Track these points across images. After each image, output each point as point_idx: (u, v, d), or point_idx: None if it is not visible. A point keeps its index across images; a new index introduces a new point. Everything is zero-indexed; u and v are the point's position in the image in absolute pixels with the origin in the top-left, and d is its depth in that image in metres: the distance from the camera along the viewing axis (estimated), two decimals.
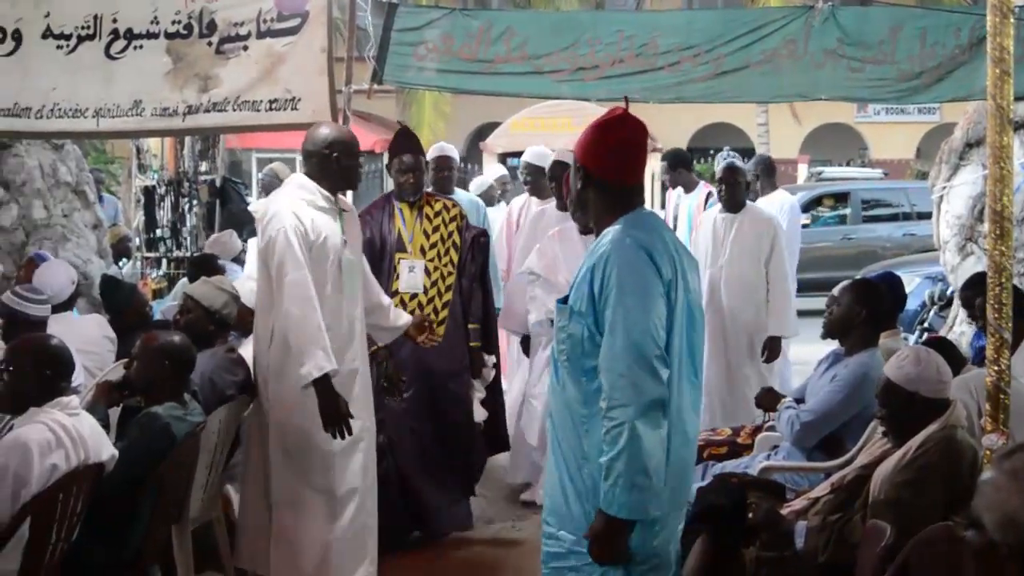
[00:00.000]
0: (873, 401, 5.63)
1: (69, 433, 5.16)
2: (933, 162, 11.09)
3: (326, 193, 6.26)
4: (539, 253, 8.36)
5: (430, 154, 9.75)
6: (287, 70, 7.15)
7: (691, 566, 5.71)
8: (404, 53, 8.07)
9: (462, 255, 7.97)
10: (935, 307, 11.94)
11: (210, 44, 7.15)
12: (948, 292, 11.46)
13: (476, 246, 8.08)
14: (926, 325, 11.74)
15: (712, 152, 36.30)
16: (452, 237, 7.96)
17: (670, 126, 33.10)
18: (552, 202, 9.40)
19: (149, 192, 15.45)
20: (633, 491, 3.99)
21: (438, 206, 8.01)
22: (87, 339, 7.35)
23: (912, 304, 11.14)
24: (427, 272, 7.84)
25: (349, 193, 7.83)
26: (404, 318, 7.01)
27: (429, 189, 8.49)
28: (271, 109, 7.18)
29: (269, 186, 11.83)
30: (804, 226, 21.55)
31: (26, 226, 10.44)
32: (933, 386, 5.15)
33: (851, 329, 6.51)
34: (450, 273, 7.91)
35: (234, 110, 7.02)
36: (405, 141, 7.90)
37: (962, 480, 4.95)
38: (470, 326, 8.03)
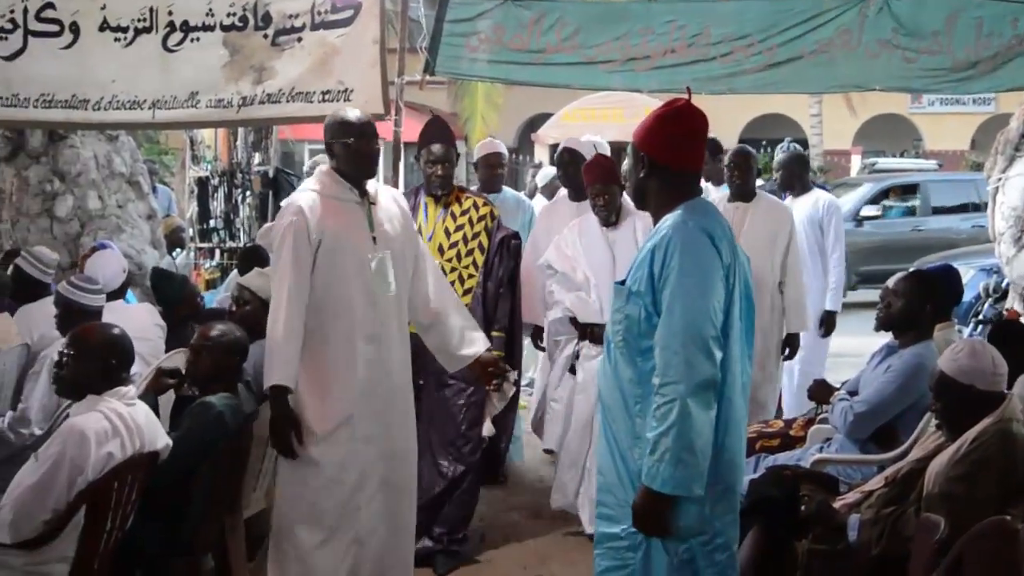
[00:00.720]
0: (927, 393, 5.59)
1: (125, 422, 5.20)
2: (988, 153, 10.99)
3: (346, 184, 5.79)
4: (557, 247, 7.78)
5: (479, 151, 9.19)
6: (340, 62, 7.19)
7: (744, 558, 5.70)
8: (456, 44, 8.09)
9: (488, 257, 7.36)
10: (990, 299, 11.84)
11: (266, 36, 7.20)
12: (1003, 284, 11.36)
13: (506, 248, 7.46)
14: (981, 317, 11.64)
15: (765, 144, 36.20)
16: (478, 237, 7.33)
17: (722, 117, 32.91)
18: (563, 192, 8.74)
19: (202, 183, 15.51)
20: (679, 467, 4.04)
21: (467, 203, 7.38)
22: (139, 327, 7.40)
23: (967, 296, 11.04)
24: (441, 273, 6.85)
25: (400, 184, 7.84)
26: (473, 347, 6.10)
27: (471, 186, 8.16)
28: (324, 100, 7.22)
29: None
30: (874, 217, 21.56)
31: (81, 217, 10.52)
32: (988, 379, 5.10)
33: (915, 323, 6.45)
34: (471, 276, 7.30)
35: (288, 101, 7.06)
36: (435, 130, 7.30)
37: (1017, 474, 4.91)
38: (493, 334, 7.23)
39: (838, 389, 6.93)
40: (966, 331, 10.73)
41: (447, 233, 7.26)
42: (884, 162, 31.55)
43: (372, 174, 6.06)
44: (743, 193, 8.59)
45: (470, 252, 7.30)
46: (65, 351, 5.40)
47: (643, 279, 4.22)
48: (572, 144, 8.52)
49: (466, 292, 7.20)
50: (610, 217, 7.56)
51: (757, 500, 5.83)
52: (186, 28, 7.22)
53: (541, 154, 28.54)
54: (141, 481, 5.21)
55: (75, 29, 7.24)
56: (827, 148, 36.07)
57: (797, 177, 9.80)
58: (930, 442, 5.49)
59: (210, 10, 7.22)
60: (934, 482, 5.01)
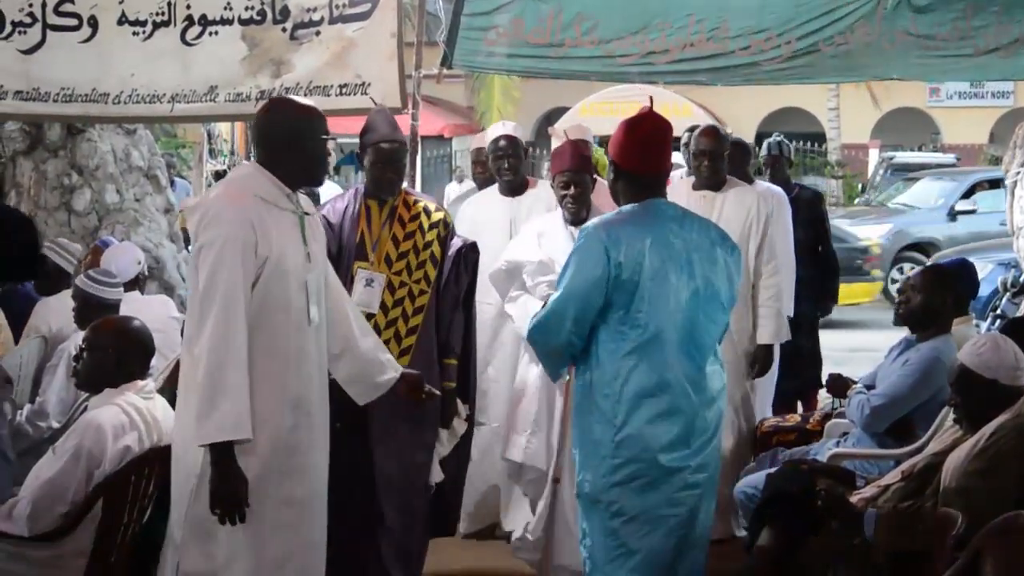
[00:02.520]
0: (945, 387, 5.59)
1: (143, 415, 5.22)
2: (1006, 147, 10.97)
3: (286, 189, 4.89)
4: (514, 249, 6.89)
5: (490, 133, 8.10)
6: (358, 55, 7.20)
7: (760, 552, 5.70)
8: (474, 38, 8.09)
9: (441, 271, 6.24)
10: (1008, 293, 11.80)
11: (284, 30, 7.21)
12: (1021, 279, 11.34)
13: (462, 262, 6.36)
14: (999, 312, 11.61)
15: (782, 137, 36.18)
16: (431, 248, 6.21)
17: (740, 111, 33.01)
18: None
19: (220, 176, 15.58)
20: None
21: (416, 208, 6.27)
22: (154, 319, 7.39)
23: (984, 291, 11.02)
24: (391, 288, 6.10)
25: (418, 179, 7.75)
26: (389, 372, 5.34)
27: (410, 188, 6.69)
28: (341, 94, 7.23)
29: None
30: (969, 212, 21.55)
31: (99, 210, 10.55)
32: (1011, 373, 5.10)
33: (933, 318, 6.44)
34: (422, 292, 6.16)
35: (305, 95, 7.06)
36: (381, 123, 6.22)
37: None
38: (446, 362, 6.27)
39: (855, 383, 6.93)
40: (984, 326, 10.70)
41: (395, 241, 6.19)
42: (902, 156, 31.46)
43: (319, 182, 5.43)
44: (714, 181, 7.71)
45: (421, 264, 6.19)
46: (83, 344, 5.42)
47: None
48: (515, 132, 7.82)
49: (417, 311, 6.13)
50: (580, 213, 6.57)
51: (773, 494, 5.83)
52: (204, 22, 7.23)
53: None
54: (158, 475, 5.22)
55: (93, 23, 7.26)
56: (844, 142, 36.01)
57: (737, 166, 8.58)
58: (947, 436, 5.49)
59: (228, 4, 7.23)
60: (951, 477, 5.00)
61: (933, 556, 4.79)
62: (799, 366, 8.79)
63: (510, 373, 7.14)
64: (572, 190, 6.56)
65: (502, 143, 7.70)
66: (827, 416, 7.24)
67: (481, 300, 6.85)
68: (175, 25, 7.23)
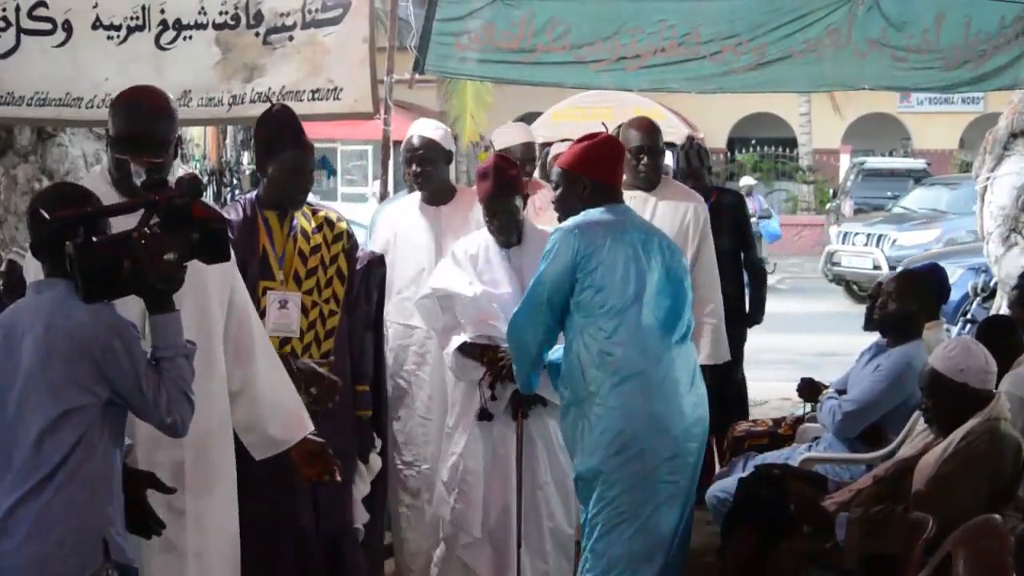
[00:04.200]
0: (915, 392, 5.62)
1: None
2: (977, 152, 11.03)
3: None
4: (440, 274, 6.18)
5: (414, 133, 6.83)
6: (330, 60, 7.18)
7: (733, 556, 5.73)
8: (446, 43, 8.08)
9: (350, 289, 5.59)
10: (978, 298, 11.88)
11: (257, 35, 7.19)
12: (991, 283, 11.39)
13: (371, 277, 5.85)
14: (969, 316, 11.68)
15: (754, 142, 36.30)
16: (336, 263, 5.52)
17: (711, 116, 33.10)
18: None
19: None
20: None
21: (318, 219, 5.54)
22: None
23: (955, 295, 11.08)
24: (303, 310, 5.38)
25: (391, 184, 7.62)
26: (290, 432, 4.66)
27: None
28: (313, 99, 7.21)
29: None
30: None
31: None
32: (981, 377, 5.13)
33: (906, 322, 6.47)
34: (332, 312, 5.46)
35: (278, 100, 7.06)
36: (286, 131, 5.36)
37: (1005, 473, 4.94)
38: (358, 388, 5.69)
39: (826, 387, 6.95)
40: (954, 330, 10.75)
41: (303, 257, 5.43)
42: (873, 161, 31.60)
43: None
44: (647, 182, 7.05)
45: (329, 282, 5.49)
46: None
47: None
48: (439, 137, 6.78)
49: (328, 334, 5.45)
50: (510, 238, 6.07)
51: (745, 499, 5.85)
52: (179, 26, 7.21)
53: None
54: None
55: (68, 27, 7.23)
56: (816, 147, 36.16)
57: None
58: (918, 440, 5.52)
59: (202, 8, 7.21)
60: (922, 480, 5.03)
61: (904, 560, 4.81)
62: (723, 397, 7.29)
63: (442, 404, 6.40)
64: (496, 220, 6.03)
65: (414, 141, 6.69)
66: (799, 420, 7.27)
67: (396, 321, 6.46)
68: (150, 30, 7.20)
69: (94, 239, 3.63)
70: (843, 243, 22.21)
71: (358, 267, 5.68)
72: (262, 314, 5.13)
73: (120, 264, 3.63)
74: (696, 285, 6.30)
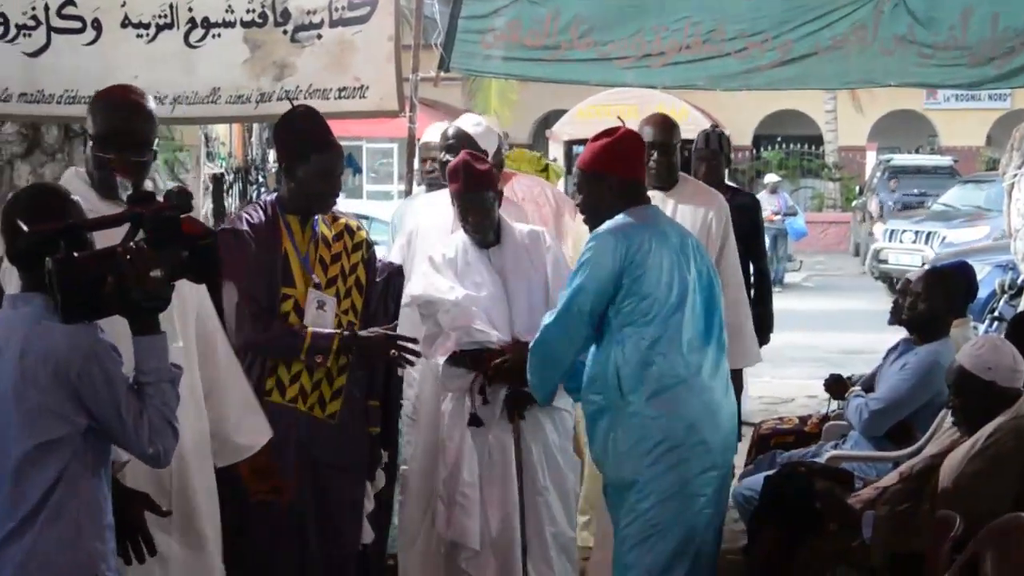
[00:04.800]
0: (943, 389, 5.60)
1: None
2: (1003, 149, 10.98)
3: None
4: (422, 279, 5.89)
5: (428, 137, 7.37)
6: (357, 58, 7.20)
7: (759, 554, 5.72)
8: (471, 41, 8.08)
9: (368, 301, 5.32)
10: (1006, 296, 11.82)
11: (285, 32, 7.21)
12: (1019, 280, 11.36)
13: (389, 291, 5.58)
14: (996, 314, 11.63)
15: (780, 140, 36.23)
16: (356, 272, 5.29)
17: (737, 113, 33.00)
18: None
19: (217, 180, 15.54)
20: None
21: (337, 226, 5.32)
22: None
23: (982, 293, 11.04)
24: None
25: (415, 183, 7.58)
26: (252, 436, 4.62)
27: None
28: (340, 97, 7.23)
29: None
30: None
31: None
32: (1009, 375, 5.12)
33: (933, 320, 6.45)
34: (351, 324, 5.20)
35: (305, 98, 7.07)
36: (317, 133, 5.20)
37: None
38: (370, 404, 5.41)
39: (853, 385, 6.94)
40: (982, 328, 10.72)
41: (323, 264, 5.22)
42: (899, 159, 31.49)
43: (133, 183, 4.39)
44: (663, 180, 6.69)
45: (348, 292, 5.25)
46: None
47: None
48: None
49: None
50: (487, 236, 5.83)
51: (771, 497, 5.84)
52: (207, 24, 7.23)
53: (556, 151, 28.52)
54: None
55: (97, 26, 7.26)
56: (842, 144, 36.07)
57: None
58: (945, 438, 5.50)
59: (229, 6, 7.23)
60: (949, 478, 5.02)
61: (931, 558, 4.80)
62: None
63: (431, 404, 6.13)
64: (470, 218, 5.77)
65: (448, 132, 6.63)
66: (825, 418, 7.25)
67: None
68: (178, 28, 7.23)
69: (75, 254, 3.41)
70: (890, 240, 22.15)
71: (378, 279, 5.43)
72: (283, 319, 5.07)
73: (103, 281, 3.41)
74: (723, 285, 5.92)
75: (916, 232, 21.78)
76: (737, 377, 6.32)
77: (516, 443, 5.72)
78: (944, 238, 20.97)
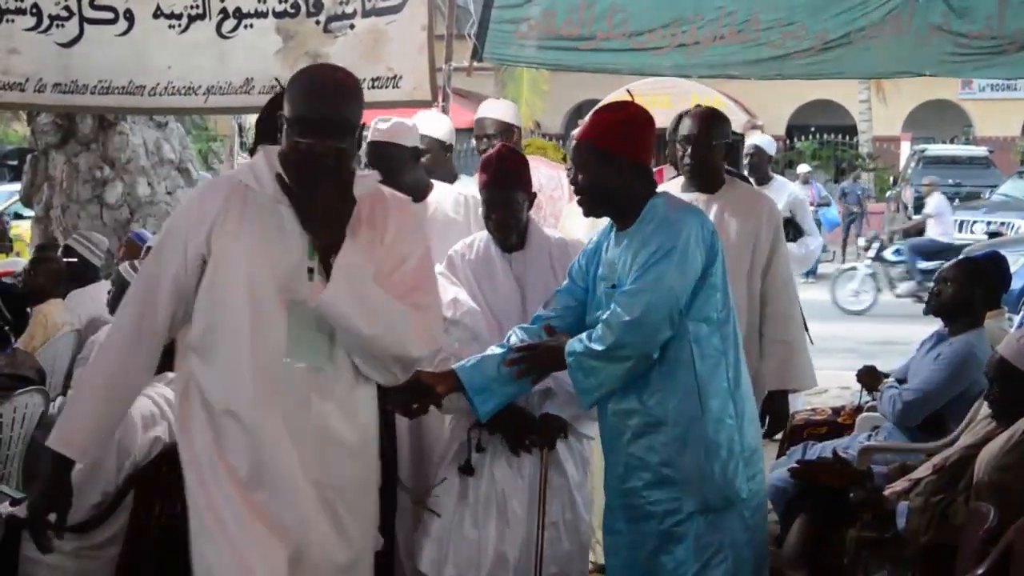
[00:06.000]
0: (977, 381, 5.58)
1: (172, 406, 5.24)
2: None
3: (275, 183, 3.82)
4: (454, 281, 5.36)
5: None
6: (390, 48, 7.22)
7: (792, 544, 5.70)
8: (505, 30, 8.09)
9: None
10: None
11: (318, 23, 7.24)
12: None
13: None
14: None
15: (813, 130, 36.10)
16: None
17: (770, 104, 32.94)
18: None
19: None
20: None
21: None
22: None
23: (1017, 284, 10.98)
24: None
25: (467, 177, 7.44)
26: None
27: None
28: (373, 87, 7.24)
29: None
30: None
31: (131, 203, 10.63)
32: None
33: (966, 311, 6.42)
34: None
35: None
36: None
37: None
38: None
39: (887, 376, 6.91)
40: (1016, 319, 10.66)
41: None
42: (934, 149, 31.34)
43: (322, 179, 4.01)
44: (704, 179, 6.08)
45: None
46: None
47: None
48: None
49: None
50: (509, 238, 5.34)
51: (804, 487, 5.82)
52: (239, 15, 7.27)
53: None
54: None
55: (129, 16, 7.30)
56: (876, 135, 35.91)
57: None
58: (980, 429, 5.46)
59: None
60: (984, 470, 4.98)
61: (965, 550, 4.77)
62: None
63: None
64: (493, 214, 5.28)
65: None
66: (858, 409, 7.22)
67: None
68: (210, 18, 7.26)
69: None
70: (960, 231, 22.07)
71: None
72: None
73: None
74: (769, 299, 5.97)
75: (987, 222, 21.74)
76: (782, 400, 6.08)
77: (543, 474, 5.11)
78: (1018, 228, 20.99)
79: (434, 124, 6.80)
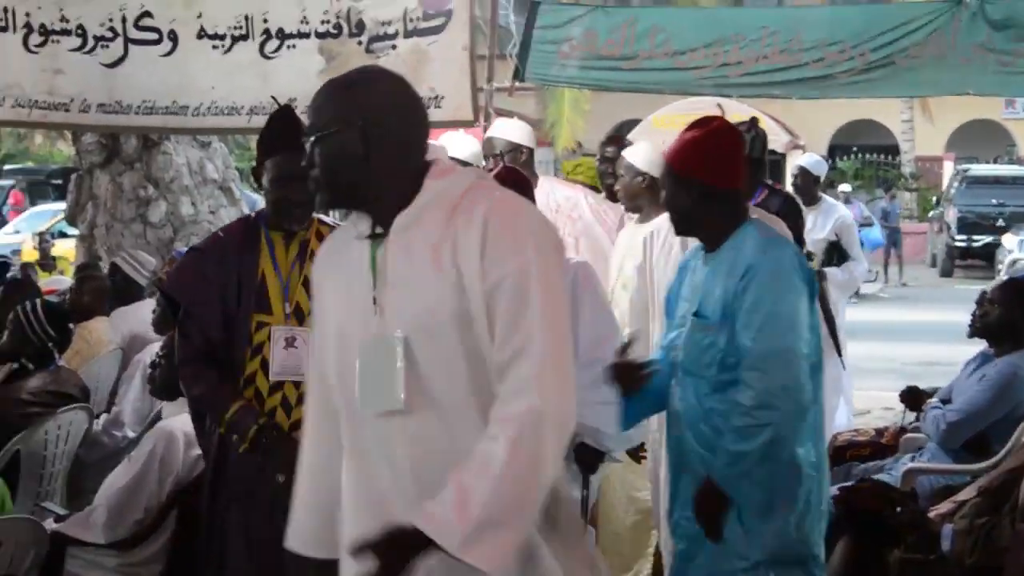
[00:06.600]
0: (1022, 402, 5.53)
1: None
2: None
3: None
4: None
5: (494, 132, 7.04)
6: (432, 69, 7.24)
7: (835, 567, 5.66)
8: (547, 51, 8.11)
9: None
10: None
11: (360, 43, 7.27)
12: None
13: None
14: None
15: (855, 150, 35.96)
16: None
17: (812, 123, 32.79)
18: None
19: None
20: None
21: None
22: None
23: None
24: None
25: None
26: None
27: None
28: None
29: None
30: None
31: (174, 222, 10.68)
32: None
33: (1011, 332, 6.38)
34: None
35: None
36: (283, 131, 4.50)
37: None
38: None
39: (930, 396, 6.87)
40: None
41: (308, 287, 4.08)
42: (977, 168, 31.15)
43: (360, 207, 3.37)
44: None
45: None
46: (160, 353, 5.48)
47: (730, 309, 4.24)
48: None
49: None
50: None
51: (847, 509, 5.79)
52: (282, 35, 7.31)
53: None
54: None
55: (173, 37, 7.36)
56: (918, 154, 35.72)
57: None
58: None
59: (304, 18, 7.31)
60: None
61: (1011, 572, 4.73)
62: None
63: None
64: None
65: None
66: (902, 430, 7.17)
67: None
68: (254, 39, 7.31)
69: None
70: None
71: None
72: (255, 351, 4.48)
73: None
74: None
75: None
76: None
77: (584, 502, 4.99)
78: None
79: (460, 145, 6.94)
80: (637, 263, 5.70)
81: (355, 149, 3.13)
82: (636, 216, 6.25)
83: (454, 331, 3.00)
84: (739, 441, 4.12)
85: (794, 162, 9.95)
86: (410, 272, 3.04)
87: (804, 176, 9.69)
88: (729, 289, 4.23)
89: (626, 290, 5.91)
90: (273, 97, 6.72)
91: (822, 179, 9.93)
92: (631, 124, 30.97)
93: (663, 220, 5.36)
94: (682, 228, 4.53)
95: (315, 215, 4.60)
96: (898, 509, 5.41)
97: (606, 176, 6.94)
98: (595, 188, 7.02)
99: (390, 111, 3.18)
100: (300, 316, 4.46)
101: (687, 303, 4.45)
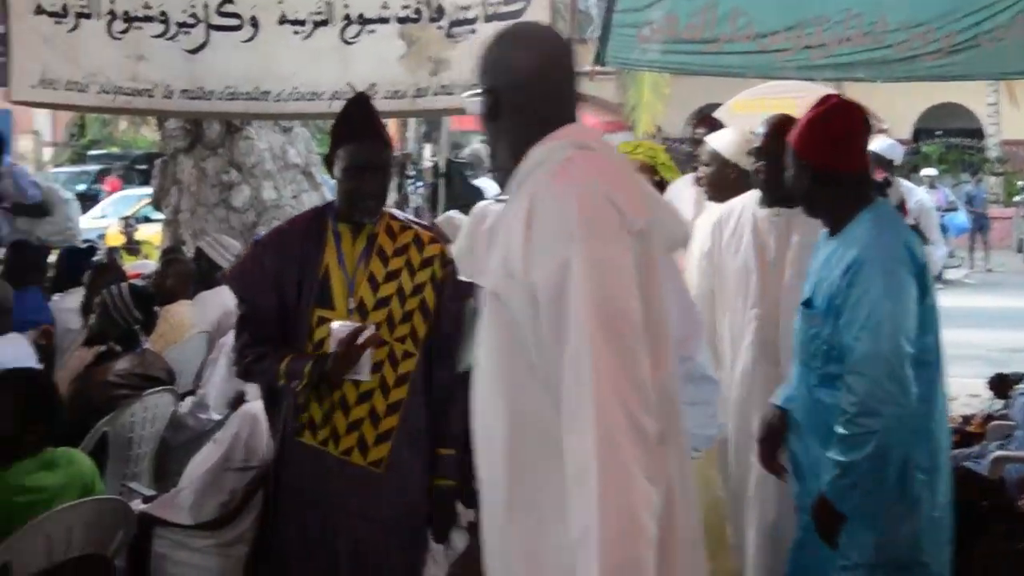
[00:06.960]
0: None
1: None
2: None
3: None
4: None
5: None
6: None
7: None
8: (628, 34, 8.07)
9: (436, 325, 4.52)
10: None
11: (440, 28, 7.29)
12: None
13: (464, 311, 4.48)
14: None
15: (940, 133, 35.53)
16: (421, 293, 4.48)
17: (896, 106, 32.43)
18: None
19: None
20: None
21: (404, 237, 4.54)
22: None
23: None
24: None
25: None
26: None
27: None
28: None
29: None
30: None
31: (257, 207, 10.76)
32: None
33: None
34: (408, 355, 4.46)
35: (461, 93, 7.14)
36: (357, 119, 4.53)
37: None
38: (441, 452, 4.54)
39: (1017, 383, 6.79)
40: None
41: (373, 283, 4.44)
42: None
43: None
44: (774, 193, 5.12)
45: (408, 316, 4.46)
46: None
47: (835, 301, 4.17)
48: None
49: (400, 381, 4.46)
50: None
51: None
52: (362, 20, 7.35)
53: None
54: None
55: (255, 23, 7.43)
56: (1004, 138, 35.22)
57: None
58: None
59: (385, 3, 7.35)
60: None
61: None
62: None
63: None
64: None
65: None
66: (989, 417, 7.10)
67: None
68: (334, 24, 7.36)
69: None
70: None
71: (449, 303, 4.52)
72: (316, 347, 4.39)
73: None
74: None
75: None
76: None
77: None
78: None
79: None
80: (705, 249, 5.48)
81: (482, 112, 3.10)
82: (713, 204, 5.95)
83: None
84: (846, 452, 4.04)
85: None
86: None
87: (878, 161, 9.65)
88: (834, 281, 4.17)
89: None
90: (349, 84, 6.78)
91: (895, 163, 9.84)
92: (711, 108, 30.60)
93: (736, 203, 5.39)
94: (808, 211, 4.46)
95: (386, 209, 4.55)
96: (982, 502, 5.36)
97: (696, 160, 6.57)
98: (652, 168, 6.96)
99: (517, 75, 3.12)
100: (364, 312, 4.39)
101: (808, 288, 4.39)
